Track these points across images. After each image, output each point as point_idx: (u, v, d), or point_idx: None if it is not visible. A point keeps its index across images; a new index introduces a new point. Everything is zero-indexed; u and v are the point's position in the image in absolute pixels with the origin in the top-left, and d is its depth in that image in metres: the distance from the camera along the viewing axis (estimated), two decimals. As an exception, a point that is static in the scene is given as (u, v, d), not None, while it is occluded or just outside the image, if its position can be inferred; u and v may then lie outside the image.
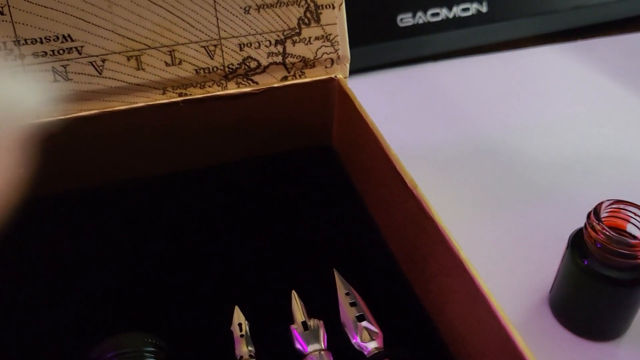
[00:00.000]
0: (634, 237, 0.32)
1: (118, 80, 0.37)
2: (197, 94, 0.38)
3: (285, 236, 0.38)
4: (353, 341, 0.30)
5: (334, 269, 0.33)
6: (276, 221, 0.39)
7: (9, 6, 0.34)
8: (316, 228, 0.38)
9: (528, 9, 0.62)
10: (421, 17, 0.59)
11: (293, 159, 0.43)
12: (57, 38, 0.35)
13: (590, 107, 0.55)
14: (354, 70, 0.41)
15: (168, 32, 0.37)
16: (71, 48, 0.35)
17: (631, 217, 0.33)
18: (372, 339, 0.30)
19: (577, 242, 0.34)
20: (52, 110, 0.36)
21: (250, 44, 0.38)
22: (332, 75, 0.40)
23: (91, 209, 0.39)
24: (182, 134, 0.39)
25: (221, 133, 0.40)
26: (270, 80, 0.40)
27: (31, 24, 0.34)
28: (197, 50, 0.37)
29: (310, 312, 0.32)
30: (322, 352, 0.29)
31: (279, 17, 0.38)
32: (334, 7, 0.39)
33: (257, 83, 0.39)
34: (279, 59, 0.39)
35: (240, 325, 0.31)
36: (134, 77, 0.37)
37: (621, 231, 0.33)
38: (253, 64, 0.39)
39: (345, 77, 0.41)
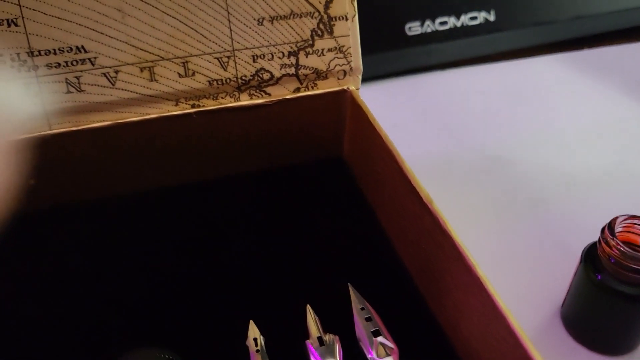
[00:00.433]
0: (649, 253, 0.32)
1: (131, 91, 0.37)
2: (210, 105, 0.38)
3: (297, 249, 0.37)
4: (369, 356, 0.30)
5: (349, 284, 0.33)
6: (288, 234, 0.38)
7: (23, 18, 0.34)
8: (328, 241, 0.38)
9: (536, 18, 0.62)
10: (429, 26, 0.59)
11: (305, 171, 0.42)
12: (71, 49, 0.35)
13: (600, 117, 0.55)
14: (362, 79, 0.41)
15: (181, 43, 0.37)
16: (84, 59, 0.35)
17: (646, 232, 0.33)
18: (387, 355, 0.30)
19: (591, 256, 0.34)
20: (65, 121, 0.36)
21: (264, 56, 0.38)
22: (345, 87, 0.40)
23: (104, 220, 0.39)
24: (195, 145, 0.39)
25: (233, 144, 0.40)
26: (282, 92, 0.40)
27: (45, 35, 0.34)
28: (210, 62, 0.37)
29: (325, 327, 0.31)
30: (338, 367, 0.29)
31: (292, 28, 0.38)
32: (347, 19, 0.39)
33: (269, 94, 0.39)
34: (292, 70, 0.39)
35: (255, 340, 0.31)
36: (147, 88, 0.37)
37: (635, 246, 0.33)
38: (266, 76, 0.39)
39: (358, 89, 0.41)
